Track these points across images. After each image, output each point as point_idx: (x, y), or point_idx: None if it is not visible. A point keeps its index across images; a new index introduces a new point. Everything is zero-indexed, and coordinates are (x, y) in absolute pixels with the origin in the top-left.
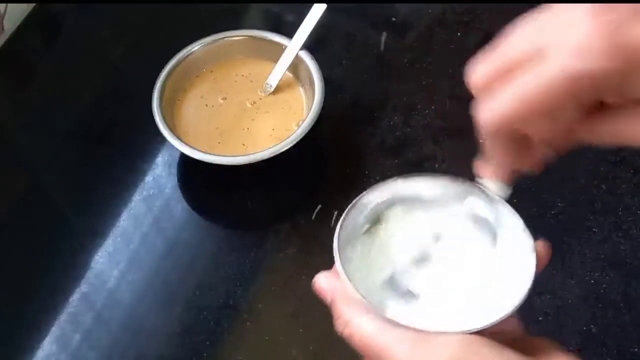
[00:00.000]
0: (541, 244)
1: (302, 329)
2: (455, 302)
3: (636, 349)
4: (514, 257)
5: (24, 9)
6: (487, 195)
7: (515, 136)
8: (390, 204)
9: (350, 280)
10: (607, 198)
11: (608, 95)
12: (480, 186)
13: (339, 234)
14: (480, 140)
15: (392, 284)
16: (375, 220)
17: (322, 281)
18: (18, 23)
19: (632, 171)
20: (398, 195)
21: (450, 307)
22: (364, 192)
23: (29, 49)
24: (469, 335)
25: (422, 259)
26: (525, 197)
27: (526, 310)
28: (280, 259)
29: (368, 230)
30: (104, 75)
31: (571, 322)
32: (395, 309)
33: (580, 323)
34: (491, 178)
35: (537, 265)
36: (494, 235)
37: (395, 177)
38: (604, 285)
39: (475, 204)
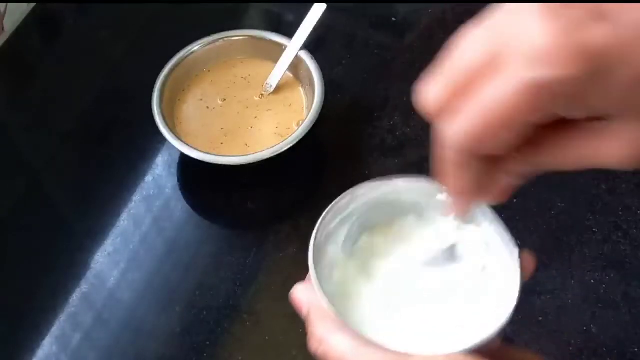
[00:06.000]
0: (525, 257)
1: (302, 329)
2: (438, 323)
3: (636, 349)
4: (499, 274)
5: (24, 9)
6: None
7: (478, 159)
8: (370, 211)
9: (325, 295)
10: (607, 198)
11: (570, 109)
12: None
13: (313, 245)
14: (438, 170)
15: (372, 300)
16: (354, 230)
17: (300, 293)
18: (18, 23)
19: (632, 171)
20: (375, 200)
21: (434, 327)
22: (339, 198)
23: (29, 49)
24: (450, 354)
25: (404, 277)
26: (526, 197)
27: (526, 310)
28: (280, 259)
29: (346, 242)
30: (104, 75)
31: (571, 322)
32: (374, 327)
33: (580, 323)
34: (451, 213)
35: (522, 281)
36: (478, 252)
37: (370, 180)
38: (604, 285)
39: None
